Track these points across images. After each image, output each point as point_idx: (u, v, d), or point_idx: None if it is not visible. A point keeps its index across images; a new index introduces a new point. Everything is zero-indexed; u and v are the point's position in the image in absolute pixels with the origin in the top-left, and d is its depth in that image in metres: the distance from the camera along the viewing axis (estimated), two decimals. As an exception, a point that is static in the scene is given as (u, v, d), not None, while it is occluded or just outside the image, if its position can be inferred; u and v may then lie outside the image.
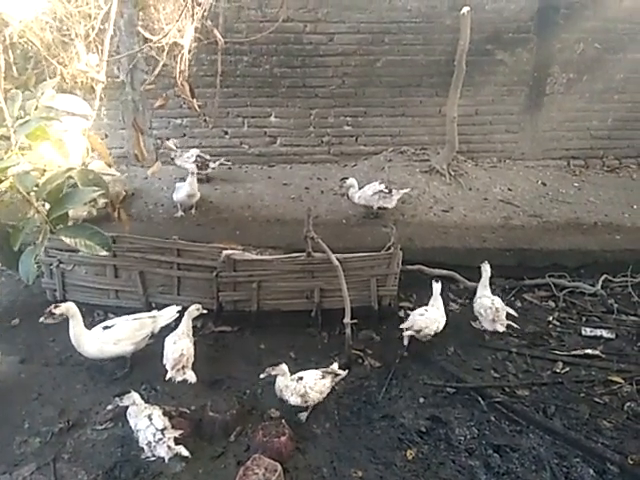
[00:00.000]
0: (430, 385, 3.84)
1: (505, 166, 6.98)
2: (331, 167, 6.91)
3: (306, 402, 3.42)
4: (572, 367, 4.07)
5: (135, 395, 3.23)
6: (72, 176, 1.86)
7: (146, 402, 3.41)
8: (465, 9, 5.78)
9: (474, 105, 6.82)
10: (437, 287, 4.29)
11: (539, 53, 6.66)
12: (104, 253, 1.76)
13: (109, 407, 3.44)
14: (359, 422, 3.52)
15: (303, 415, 3.52)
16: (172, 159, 6.11)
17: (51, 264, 4.48)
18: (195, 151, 6.14)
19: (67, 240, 1.77)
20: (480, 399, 3.69)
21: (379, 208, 5.58)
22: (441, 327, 4.16)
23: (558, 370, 4.03)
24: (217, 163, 6.26)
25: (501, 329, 4.19)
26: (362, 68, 6.63)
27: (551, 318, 4.68)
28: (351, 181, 5.62)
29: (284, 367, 3.43)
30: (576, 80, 6.79)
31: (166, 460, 3.04)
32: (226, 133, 6.82)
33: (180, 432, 3.15)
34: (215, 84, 5.66)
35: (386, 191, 5.50)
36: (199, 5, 2.69)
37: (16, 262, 1.87)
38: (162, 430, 3.07)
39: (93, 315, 4.53)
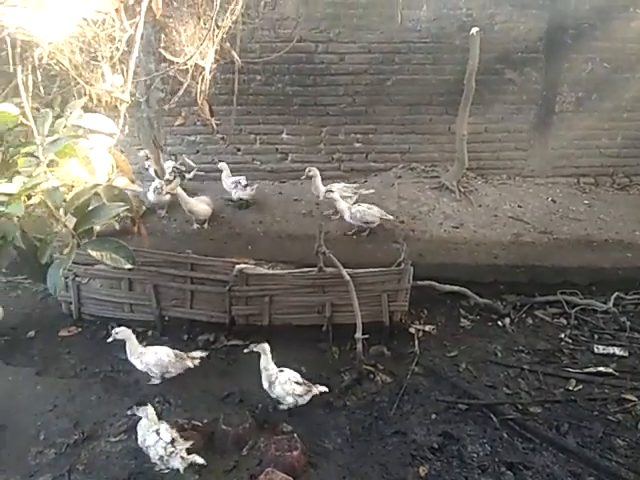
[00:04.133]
0: (442, 401, 3.84)
1: (515, 183, 7.00)
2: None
3: (272, 392, 3.62)
4: (585, 385, 4.05)
5: (150, 409, 3.27)
6: (98, 192, 1.94)
7: (159, 415, 3.45)
8: (474, 30, 5.88)
9: (483, 123, 6.88)
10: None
11: (548, 72, 6.73)
12: (129, 266, 1.82)
13: (128, 413, 3.43)
14: (371, 438, 3.52)
15: (283, 405, 3.70)
16: (146, 169, 6.27)
17: (67, 277, 4.56)
18: (171, 163, 6.29)
19: (93, 253, 1.83)
20: (492, 416, 3.69)
21: (239, 199, 6.14)
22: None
23: (571, 388, 4.02)
24: (192, 173, 6.44)
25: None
26: (372, 87, 6.73)
27: (563, 335, 4.67)
28: (222, 165, 6.16)
29: (266, 346, 3.67)
30: (585, 99, 6.84)
31: (181, 470, 3.07)
32: (239, 150, 6.93)
33: (191, 442, 3.19)
34: (228, 102, 5.81)
35: (243, 183, 6.10)
36: (218, 28, 2.79)
37: (42, 275, 1.93)
38: (172, 442, 3.12)
39: (107, 328, 4.58)
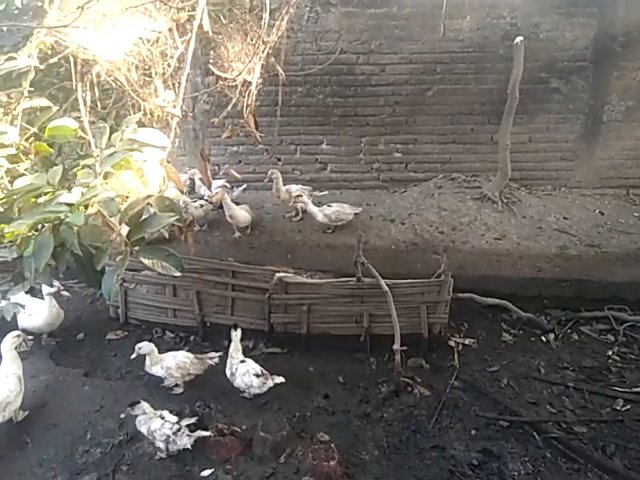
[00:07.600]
0: (482, 417, 3.77)
1: (560, 194, 6.81)
2: (380, 193, 6.97)
3: (232, 381, 3.84)
4: (633, 405, 3.89)
5: (145, 404, 3.43)
6: (151, 203, 2.03)
7: (200, 419, 3.55)
8: (518, 39, 5.79)
9: (528, 133, 6.74)
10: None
11: (596, 81, 6.54)
12: (178, 274, 1.90)
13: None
14: (408, 451, 3.49)
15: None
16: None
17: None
18: None
19: (145, 261, 1.91)
20: (535, 434, 3.59)
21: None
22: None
23: (618, 407, 3.87)
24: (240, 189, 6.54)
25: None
26: (413, 97, 6.71)
27: (610, 352, 4.50)
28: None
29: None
30: (635, 108, 6.59)
31: (189, 447, 3.25)
32: (279, 160, 7.04)
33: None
34: (270, 113, 5.92)
35: (228, 186, 6.19)
36: (265, 44, 2.88)
37: (97, 281, 2.03)
38: (177, 422, 3.31)
39: (152, 332, 4.74)
